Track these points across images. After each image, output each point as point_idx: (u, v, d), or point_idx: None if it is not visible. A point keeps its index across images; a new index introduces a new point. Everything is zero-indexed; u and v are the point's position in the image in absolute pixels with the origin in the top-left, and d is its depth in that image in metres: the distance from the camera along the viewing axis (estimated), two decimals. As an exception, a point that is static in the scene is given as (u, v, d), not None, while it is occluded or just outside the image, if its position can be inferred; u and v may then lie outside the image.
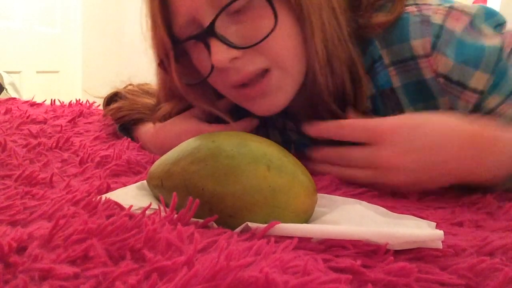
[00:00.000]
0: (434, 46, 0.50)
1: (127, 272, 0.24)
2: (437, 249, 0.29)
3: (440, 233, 0.30)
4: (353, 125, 0.49)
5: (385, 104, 0.56)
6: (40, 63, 2.47)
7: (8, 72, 1.73)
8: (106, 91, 0.76)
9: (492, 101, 0.49)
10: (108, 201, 0.34)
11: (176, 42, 0.53)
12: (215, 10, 0.47)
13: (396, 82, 0.54)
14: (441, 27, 0.49)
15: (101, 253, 0.26)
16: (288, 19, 0.48)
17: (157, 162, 0.38)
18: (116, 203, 0.34)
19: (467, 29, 0.49)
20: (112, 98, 0.74)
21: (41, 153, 0.52)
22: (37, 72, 2.44)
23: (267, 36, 0.47)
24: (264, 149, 0.34)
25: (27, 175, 0.42)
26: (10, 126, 0.64)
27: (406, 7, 0.52)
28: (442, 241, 0.30)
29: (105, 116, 0.75)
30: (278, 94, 0.52)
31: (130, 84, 0.77)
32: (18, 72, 2.30)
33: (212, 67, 0.50)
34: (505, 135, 0.44)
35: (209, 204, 0.32)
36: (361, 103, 0.54)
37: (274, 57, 0.49)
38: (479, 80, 0.49)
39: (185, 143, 0.37)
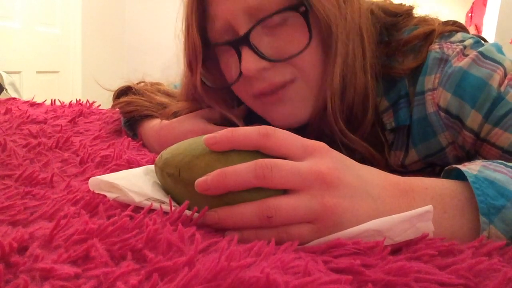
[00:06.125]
0: (441, 82, 0.51)
1: (128, 272, 0.24)
2: (435, 249, 0.30)
3: (429, 207, 0.30)
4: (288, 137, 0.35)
5: (397, 140, 0.57)
6: (40, 63, 2.47)
7: (8, 72, 1.73)
8: (106, 91, 0.76)
9: (485, 129, 0.48)
10: (108, 201, 0.34)
11: (208, 45, 0.55)
12: (251, 19, 0.50)
13: (413, 116, 0.54)
14: (451, 64, 0.50)
15: (102, 253, 0.26)
16: (317, 39, 0.50)
17: (173, 150, 0.36)
18: (122, 196, 0.34)
19: (475, 61, 0.48)
20: (123, 92, 0.75)
21: (41, 153, 0.52)
22: (37, 72, 2.45)
23: (300, 52, 0.49)
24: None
25: (28, 175, 0.42)
26: (10, 126, 0.64)
27: (431, 45, 0.53)
28: (441, 241, 0.30)
29: (113, 108, 0.75)
30: (298, 104, 0.53)
31: (142, 82, 0.78)
32: (18, 72, 2.30)
33: (240, 74, 0.52)
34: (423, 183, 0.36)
35: (228, 204, 0.32)
36: (364, 130, 0.54)
37: (302, 70, 0.51)
38: (474, 119, 0.48)
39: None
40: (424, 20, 0.56)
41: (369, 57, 0.52)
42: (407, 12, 0.57)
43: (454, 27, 0.55)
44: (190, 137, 0.38)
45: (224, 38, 0.53)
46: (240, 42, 0.50)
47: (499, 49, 0.50)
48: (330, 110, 0.51)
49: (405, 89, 0.54)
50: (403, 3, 0.60)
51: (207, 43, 0.55)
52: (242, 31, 0.50)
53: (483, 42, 0.52)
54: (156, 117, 0.67)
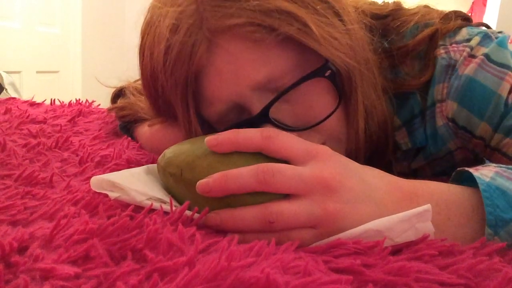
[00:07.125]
0: (448, 94, 0.49)
1: (128, 272, 0.24)
2: (436, 249, 0.30)
3: (427, 206, 0.31)
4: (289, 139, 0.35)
5: (404, 155, 0.55)
6: (40, 63, 2.47)
7: (8, 72, 1.73)
8: (106, 91, 0.76)
9: (495, 139, 0.47)
10: (109, 200, 0.34)
11: (207, 125, 0.47)
12: (263, 93, 0.43)
13: (427, 132, 0.52)
14: (458, 72, 0.48)
15: (102, 253, 0.26)
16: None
17: (175, 149, 0.36)
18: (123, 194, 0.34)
19: (481, 66, 0.47)
20: (118, 94, 0.74)
21: (40, 152, 0.52)
22: (37, 72, 2.44)
23: (328, 116, 0.44)
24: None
25: (27, 175, 0.42)
26: (9, 126, 0.64)
27: (437, 50, 0.50)
28: (442, 242, 0.30)
29: (109, 111, 0.75)
30: None
31: (140, 80, 0.77)
32: (18, 72, 2.30)
33: None
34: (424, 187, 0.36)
35: (229, 205, 0.32)
36: (383, 158, 0.52)
37: (330, 132, 0.46)
38: (484, 129, 0.47)
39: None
40: (422, 16, 0.53)
41: (379, 81, 0.49)
42: (395, 11, 0.54)
43: (458, 21, 0.52)
44: (182, 140, 0.38)
45: (229, 116, 0.46)
46: (259, 120, 0.43)
47: (505, 46, 0.48)
48: (353, 150, 0.48)
49: (418, 107, 0.51)
50: (387, 2, 0.56)
51: (204, 122, 0.47)
52: (255, 108, 0.43)
53: (490, 34, 0.49)
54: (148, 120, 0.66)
